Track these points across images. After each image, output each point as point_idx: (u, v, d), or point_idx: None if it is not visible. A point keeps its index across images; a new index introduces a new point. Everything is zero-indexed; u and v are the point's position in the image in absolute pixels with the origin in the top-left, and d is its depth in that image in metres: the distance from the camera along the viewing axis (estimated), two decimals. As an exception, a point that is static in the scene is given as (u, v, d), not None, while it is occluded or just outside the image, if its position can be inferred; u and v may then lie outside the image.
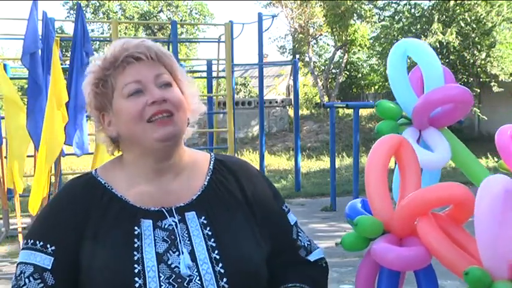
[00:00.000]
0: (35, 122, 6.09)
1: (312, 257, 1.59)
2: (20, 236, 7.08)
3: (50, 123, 5.72)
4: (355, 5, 23.15)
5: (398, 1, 20.01)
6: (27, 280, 1.42)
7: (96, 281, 1.39)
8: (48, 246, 1.43)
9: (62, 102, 5.87)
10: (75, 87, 6.20)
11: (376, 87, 29.53)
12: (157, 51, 1.47)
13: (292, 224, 1.59)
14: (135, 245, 1.40)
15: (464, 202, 1.70)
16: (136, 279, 1.36)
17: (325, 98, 25.64)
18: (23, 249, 1.46)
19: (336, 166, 11.18)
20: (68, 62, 8.35)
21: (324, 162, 16.23)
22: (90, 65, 1.50)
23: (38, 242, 1.44)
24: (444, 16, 17.72)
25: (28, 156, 6.52)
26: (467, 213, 1.74)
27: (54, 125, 5.75)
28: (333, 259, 6.22)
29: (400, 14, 19.42)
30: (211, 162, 1.58)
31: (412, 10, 19.23)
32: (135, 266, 1.38)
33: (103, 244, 1.41)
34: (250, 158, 16.45)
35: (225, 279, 1.40)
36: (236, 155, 12.96)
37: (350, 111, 16.81)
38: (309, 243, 1.61)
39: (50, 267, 1.41)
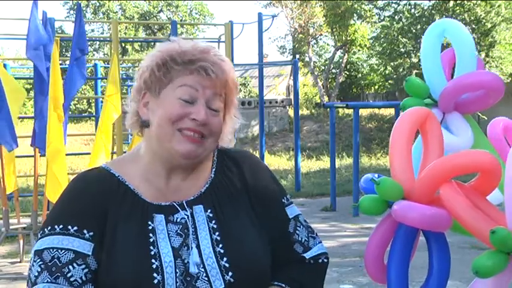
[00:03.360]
0: (43, 121, 6.14)
1: (309, 254, 1.57)
2: (20, 236, 7.10)
3: (51, 124, 5.77)
4: (355, 5, 23.17)
5: (398, 1, 20.03)
6: (70, 267, 1.36)
7: (114, 276, 1.37)
8: (85, 231, 1.39)
9: (59, 103, 5.90)
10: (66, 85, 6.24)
11: (376, 87, 29.56)
12: (228, 78, 1.48)
13: (290, 217, 1.58)
14: (151, 240, 1.40)
15: (492, 169, 1.66)
16: (155, 275, 1.36)
17: (325, 98, 25.65)
18: (46, 235, 1.39)
19: (336, 166, 11.18)
20: (67, 62, 8.35)
21: (324, 162, 16.24)
22: (163, 44, 1.49)
23: (70, 227, 1.39)
24: (444, 16, 17.72)
25: (27, 156, 6.53)
26: (493, 182, 1.69)
27: (52, 124, 5.79)
28: (333, 259, 6.19)
29: (400, 14, 19.44)
30: (215, 153, 1.59)
31: (412, 10, 19.26)
32: (153, 261, 1.38)
33: (120, 237, 1.40)
34: (250, 158, 16.42)
35: (230, 273, 1.40)
36: (236, 155, 12.96)
37: (350, 111, 16.82)
38: (307, 239, 1.59)
39: (91, 253, 1.38)
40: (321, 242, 1.62)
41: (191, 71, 1.44)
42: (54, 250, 1.37)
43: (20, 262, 6.98)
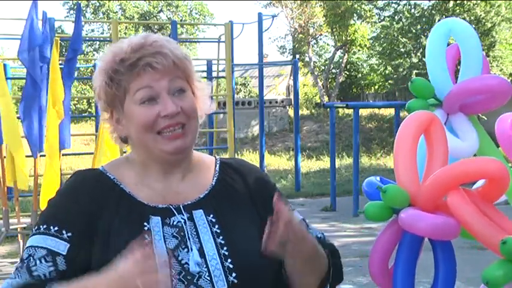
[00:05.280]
0: (31, 122, 6.10)
1: (326, 247, 1.58)
2: (20, 236, 7.09)
3: (50, 122, 5.76)
4: (355, 5, 23.17)
5: (398, 1, 20.03)
6: (38, 261, 1.38)
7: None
8: (64, 232, 1.41)
9: (59, 100, 5.89)
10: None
11: (376, 87, 29.56)
12: (174, 58, 1.46)
13: (299, 219, 1.58)
14: (146, 241, 1.40)
15: (499, 177, 1.65)
16: None
17: (325, 98, 25.65)
18: (33, 234, 1.42)
19: (336, 166, 11.18)
20: (67, 62, 8.33)
21: (324, 162, 16.23)
22: (103, 55, 1.49)
23: (52, 227, 1.41)
24: (444, 16, 17.72)
25: (27, 156, 6.51)
26: (501, 190, 1.69)
27: (51, 123, 5.78)
28: (333, 259, 6.20)
29: (400, 14, 19.44)
30: (217, 164, 1.60)
31: (412, 10, 19.25)
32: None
33: (115, 238, 1.40)
34: (250, 158, 16.44)
35: (234, 274, 1.41)
36: (236, 155, 12.95)
37: (350, 111, 16.81)
38: (321, 235, 1.61)
39: (64, 253, 1.39)
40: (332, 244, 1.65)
41: (138, 73, 1.43)
42: (32, 248, 1.40)
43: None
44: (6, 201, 6.75)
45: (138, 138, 1.46)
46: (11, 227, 6.77)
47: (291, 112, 19.26)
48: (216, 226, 1.47)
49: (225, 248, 1.43)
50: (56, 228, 1.41)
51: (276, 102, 21.20)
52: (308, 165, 16.20)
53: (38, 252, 1.39)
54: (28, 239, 1.44)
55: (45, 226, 1.42)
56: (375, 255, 1.84)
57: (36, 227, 1.44)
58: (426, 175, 1.77)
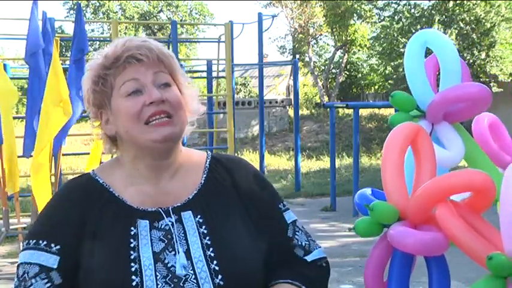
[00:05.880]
0: (33, 123, 6.12)
1: (310, 257, 1.57)
2: (20, 236, 7.10)
3: (45, 120, 5.76)
4: (355, 5, 23.17)
5: (398, 1, 20.03)
6: (33, 280, 1.39)
7: (94, 280, 1.39)
8: (53, 245, 1.41)
9: (63, 97, 5.88)
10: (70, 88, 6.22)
11: (376, 87, 29.57)
12: (158, 53, 1.47)
13: (288, 222, 1.58)
14: (131, 245, 1.41)
15: (485, 189, 1.66)
16: (134, 277, 1.37)
17: (325, 98, 25.66)
18: (24, 249, 1.44)
19: (336, 166, 11.18)
20: (68, 62, 8.35)
21: (324, 162, 16.24)
22: (91, 62, 1.50)
23: (41, 242, 1.42)
24: (444, 16, 17.74)
25: (21, 156, 6.54)
26: (487, 201, 1.69)
27: (48, 121, 5.78)
28: (333, 259, 6.22)
29: (400, 14, 19.44)
30: (207, 160, 1.59)
31: (412, 10, 19.25)
32: (132, 264, 1.38)
33: (100, 244, 1.41)
34: (250, 158, 16.45)
35: (220, 277, 1.40)
36: (236, 155, 12.96)
37: (350, 111, 16.82)
38: (307, 243, 1.58)
39: (55, 267, 1.40)
40: (320, 247, 1.63)
41: (123, 67, 1.45)
42: (26, 265, 1.41)
43: (20, 262, 6.98)
44: (6, 201, 6.77)
45: (126, 132, 1.45)
46: (11, 227, 6.78)
47: (291, 112, 19.26)
48: (203, 227, 1.46)
49: (211, 249, 1.43)
50: (45, 243, 1.42)
51: (276, 102, 21.20)
52: (308, 165, 16.20)
53: (31, 269, 1.40)
54: (20, 255, 1.45)
55: (34, 241, 1.43)
56: (369, 269, 1.85)
57: (26, 242, 1.45)
58: (415, 188, 1.79)
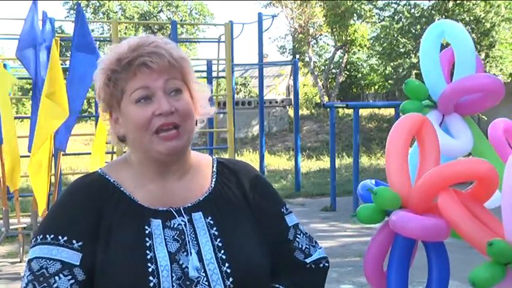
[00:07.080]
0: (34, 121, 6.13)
1: (309, 259, 1.58)
2: (20, 236, 7.10)
3: (42, 119, 5.77)
4: (355, 5, 23.16)
5: (398, 1, 20.02)
6: (56, 277, 1.37)
7: (110, 278, 1.38)
8: (74, 241, 1.40)
9: (62, 97, 5.88)
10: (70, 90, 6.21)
11: (376, 87, 29.56)
12: (169, 59, 1.46)
13: (290, 225, 1.59)
14: (147, 244, 1.41)
15: (488, 178, 1.66)
16: (151, 278, 1.36)
17: (325, 98, 25.65)
18: (38, 244, 1.41)
19: (336, 166, 11.19)
20: (67, 62, 8.35)
21: (324, 162, 16.24)
22: (103, 57, 1.49)
23: (60, 237, 1.40)
24: (444, 16, 17.72)
25: (28, 156, 6.53)
26: (490, 190, 1.69)
27: (46, 120, 5.78)
28: (333, 259, 6.21)
29: (400, 14, 19.43)
30: (214, 164, 1.60)
31: (412, 10, 19.24)
32: (149, 264, 1.38)
33: (115, 242, 1.41)
34: (250, 158, 16.45)
35: (231, 279, 1.40)
36: (236, 155, 12.96)
37: (350, 111, 16.82)
38: (307, 246, 1.59)
39: (78, 263, 1.39)
40: (321, 248, 1.63)
41: (134, 72, 1.44)
42: (43, 260, 1.39)
43: (20, 262, 6.98)
44: (6, 201, 6.77)
45: (135, 138, 1.46)
46: (11, 227, 6.78)
47: (291, 112, 19.26)
48: (214, 228, 1.47)
49: (222, 251, 1.43)
50: (65, 238, 1.40)
51: (276, 102, 21.20)
52: (308, 165, 16.20)
53: (51, 265, 1.38)
54: (32, 249, 1.42)
55: (52, 236, 1.41)
56: (369, 257, 1.85)
57: (40, 236, 1.42)
58: (418, 177, 1.78)
